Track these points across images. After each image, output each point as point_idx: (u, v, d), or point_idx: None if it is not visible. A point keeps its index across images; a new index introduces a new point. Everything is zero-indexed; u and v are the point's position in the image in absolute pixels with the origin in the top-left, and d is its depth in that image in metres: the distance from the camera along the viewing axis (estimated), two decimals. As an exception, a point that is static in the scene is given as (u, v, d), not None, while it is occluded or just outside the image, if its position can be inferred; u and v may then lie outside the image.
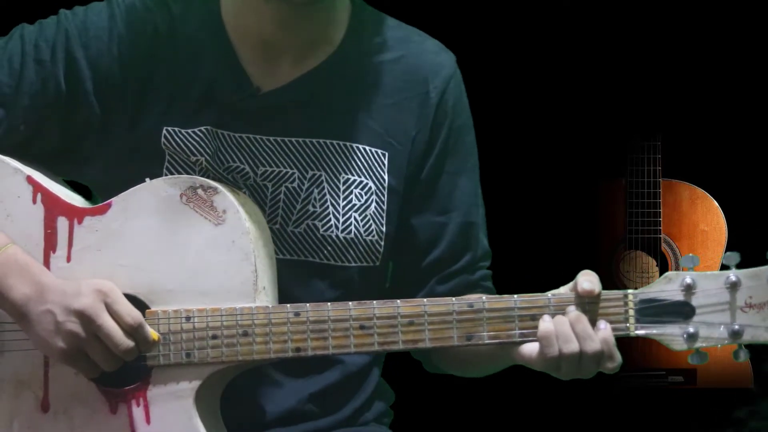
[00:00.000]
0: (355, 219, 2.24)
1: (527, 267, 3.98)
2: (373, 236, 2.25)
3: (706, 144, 4.24)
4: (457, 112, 2.31)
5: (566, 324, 2.06)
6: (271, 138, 2.24)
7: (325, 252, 2.24)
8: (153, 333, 2.12)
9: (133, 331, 2.10)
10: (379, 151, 2.26)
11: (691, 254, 2.06)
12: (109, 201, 2.19)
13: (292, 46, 2.25)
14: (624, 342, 4.43)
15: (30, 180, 2.21)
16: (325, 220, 2.24)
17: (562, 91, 4.28)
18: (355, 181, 2.25)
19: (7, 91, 2.23)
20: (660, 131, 4.16)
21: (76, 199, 2.24)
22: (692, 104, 4.24)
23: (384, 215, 2.26)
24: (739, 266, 2.05)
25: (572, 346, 2.06)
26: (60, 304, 2.10)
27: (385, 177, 2.26)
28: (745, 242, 4.04)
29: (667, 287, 2.05)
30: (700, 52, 4.22)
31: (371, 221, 2.25)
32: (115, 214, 2.18)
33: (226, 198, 2.13)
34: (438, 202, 2.29)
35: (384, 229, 2.26)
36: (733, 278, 2.03)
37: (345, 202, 2.25)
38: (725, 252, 2.07)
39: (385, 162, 2.26)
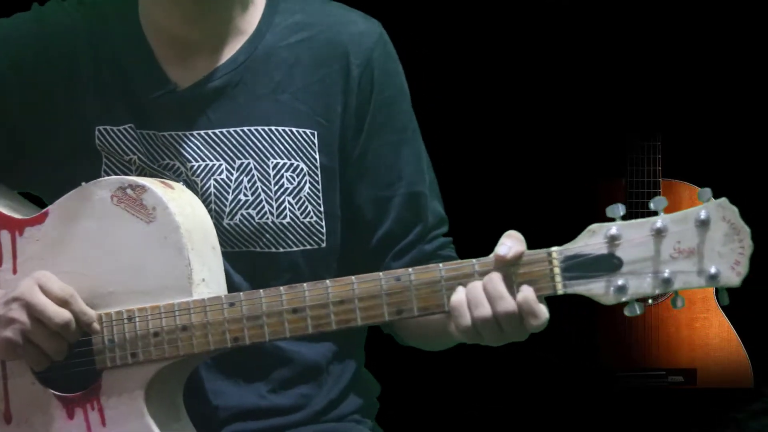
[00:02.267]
0: (289, 203, 2.23)
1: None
2: (312, 217, 2.24)
3: (706, 144, 4.24)
4: (386, 83, 2.26)
5: (478, 288, 2.01)
6: (195, 132, 2.23)
7: (264, 240, 2.23)
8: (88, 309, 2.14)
9: (65, 304, 2.10)
10: (308, 131, 2.24)
11: (658, 197, 1.95)
12: (45, 210, 2.20)
13: (206, 40, 2.24)
14: (624, 342, 4.44)
15: None
16: (258, 208, 2.23)
17: (562, 90, 4.28)
18: (285, 164, 2.23)
19: None
20: (660, 131, 4.16)
21: (19, 211, 2.24)
22: (692, 104, 4.25)
23: (320, 195, 2.24)
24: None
25: (483, 311, 2.00)
26: (1, 301, 2.12)
27: (317, 156, 2.24)
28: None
29: (591, 241, 1.95)
30: (700, 51, 4.22)
31: (307, 203, 2.23)
32: (53, 222, 2.18)
33: (154, 195, 2.13)
34: (379, 177, 2.26)
35: (322, 209, 2.24)
36: (658, 224, 1.92)
37: (276, 187, 2.23)
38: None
39: (315, 141, 2.24)
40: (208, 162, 2.23)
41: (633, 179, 4.15)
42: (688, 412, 4.15)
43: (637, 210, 4.15)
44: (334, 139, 2.24)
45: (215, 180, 2.23)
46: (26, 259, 2.18)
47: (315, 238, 2.24)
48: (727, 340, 4.13)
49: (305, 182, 2.24)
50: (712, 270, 1.92)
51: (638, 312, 1.96)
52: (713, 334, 4.14)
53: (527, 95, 4.29)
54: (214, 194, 2.22)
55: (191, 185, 2.22)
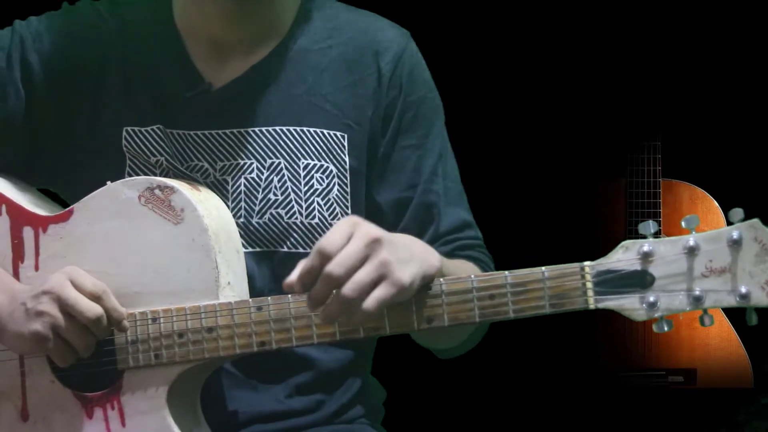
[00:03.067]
0: (318, 204, 2.24)
1: (527, 267, 3.97)
2: (339, 220, 2.24)
3: (706, 144, 4.24)
4: (413, 86, 2.28)
5: None
6: (227, 131, 2.25)
7: (292, 240, 2.24)
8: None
9: (98, 299, 2.10)
10: (338, 134, 2.25)
11: (690, 215, 1.99)
12: (70, 207, 2.20)
13: (242, 41, 2.26)
14: (624, 342, 4.44)
15: None
16: (288, 208, 2.24)
17: (563, 91, 4.28)
18: (315, 165, 2.25)
19: None
20: (660, 131, 4.16)
21: (42, 207, 2.24)
22: (692, 104, 4.25)
23: (348, 197, 2.25)
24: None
25: None
26: (29, 294, 2.11)
27: (346, 159, 2.25)
28: (745, 242, 4.04)
29: (624, 256, 1.98)
30: (700, 52, 4.22)
31: (335, 205, 2.25)
32: (78, 221, 2.18)
33: (183, 196, 2.13)
34: (401, 178, 2.27)
35: (350, 212, 2.25)
36: (691, 243, 1.96)
37: (306, 188, 2.24)
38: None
39: (345, 144, 2.25)
40: (239, 161, 2.24)
41: (633, 179, 4.15)
42: (688, 412, 4.15)
43: (638, 210, 4.15)
44: (363, 142, 2.26)
45: (245, 179, 2.24)
46: (49, 256, 2.18)
47: None
48: (727, 340, 4.13)
49: (334, 184, 2.25)
50: (743, 289, 1.96)
51: (666, 329, 1.99)
52: (713, 334, 4.14)
53: (527, 96, 4.28)
54: (244, 192, 2.23)
55: (221, 184, 2.24)
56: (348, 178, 2.25)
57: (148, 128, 2.24)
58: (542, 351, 4.25)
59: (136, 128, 2.24)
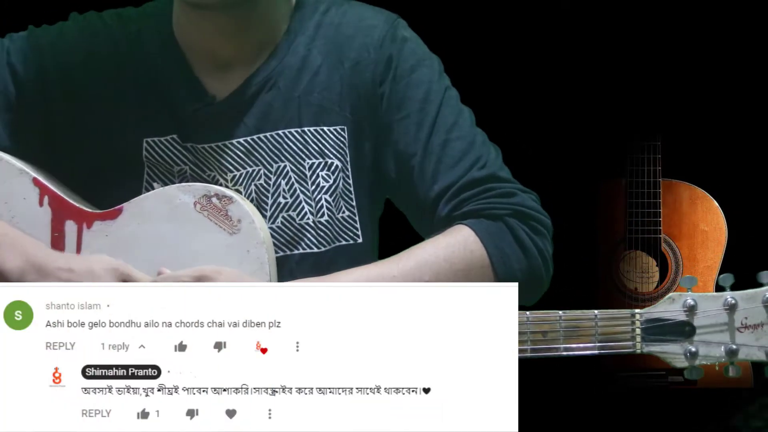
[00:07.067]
0: (326, 200, 2.26)
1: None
2: (344, 212, 2.28)
3: (706, 144, 4.24)
4: (402, 59, 2.30)
5: None
6: (234, 141, 2.27)
7: (306, 240, 2.26)
8: None
9: None
10: (338, 128, 2.28)
11: (689, 275, 2.21)
12: (119, 206, 2.19)
13: (240, 51, 2.29)
14: (624, 342, 4.40)
15: (36, 182, 2.21)
16: (298, 209, 2.26)
17: (562, 91, 4.28)
18: (320, 163, 2.27)
19: None
20: (660, 131, 4.16)
21: (83, 204, 2.24)
22: (692, 104, 4.24)
23: (352, 189, 2.28)
24: (734, 287, 2.18)
25: None
26: (68, 280, 2.10)
27: (348, 151, 2.28)
28: (745, 242, 4.04)
29: (670, 308, 2.17)
30: (700, 52, 4.22)
31: (340, 198, 2.27)
32: (126, 220, 2.18)
33: (241, 207, 2.14)
34: (402, 148, 2.27)
35: (354, 203, 2.28)
36: (731, 300, 2.16)
37: (314, 187, 2.26)
38: (721, 274, 2.15)
39: (345, 136, 2.28)
40: (248, 168, 2.26)
41: (633, 179, 4.15)
42: (688, 412, 4.15)
43: (638, 210, 4.15)
44: (362, 130, 2.28)
45: (255, 185, 2.25)
46: (92, 252, 2.17)
47: (351, 233, 2.27)
48: (727, 341, 4.12)
49: (340, 178, 2.27)
50: None
51: (696, 377, 2.21)
52: (713, 335, 4.13)
53: (527, 96, 4.28)
54: (255, 199, 2.25)
55: None
56: (350, 169, 2.27)
57: (167, 137, 2.26)
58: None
59: (156, 138, 2.26)
